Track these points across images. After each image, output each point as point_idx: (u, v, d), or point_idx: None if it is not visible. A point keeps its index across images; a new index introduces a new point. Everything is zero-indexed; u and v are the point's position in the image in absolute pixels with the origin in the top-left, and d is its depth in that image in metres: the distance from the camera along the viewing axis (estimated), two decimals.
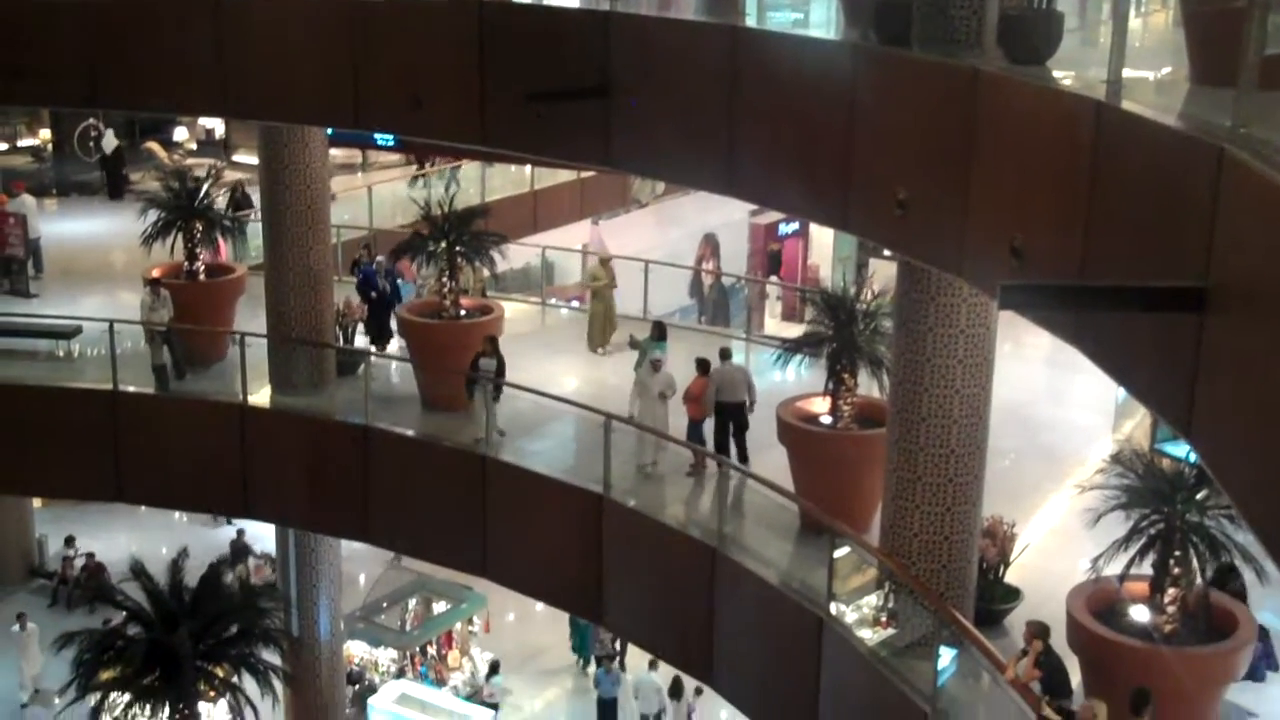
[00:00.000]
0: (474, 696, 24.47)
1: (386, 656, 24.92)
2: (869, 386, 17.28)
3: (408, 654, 24.85)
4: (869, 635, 14.18)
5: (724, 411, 17.79)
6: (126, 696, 20.30)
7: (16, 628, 25.13)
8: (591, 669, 25.40)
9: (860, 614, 14.63)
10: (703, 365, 18.52)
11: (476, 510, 18.66)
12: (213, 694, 20.81)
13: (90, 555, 28.63)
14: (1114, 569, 13.02)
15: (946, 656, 13.16)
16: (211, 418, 20.65)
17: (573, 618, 25.51)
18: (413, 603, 25.60)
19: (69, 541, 29.51)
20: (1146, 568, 13.03)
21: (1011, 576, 15.31)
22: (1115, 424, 19.73)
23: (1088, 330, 9.39)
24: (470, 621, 26.38)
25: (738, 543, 15.94)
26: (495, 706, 25.67)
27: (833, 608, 14.29)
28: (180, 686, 19.93)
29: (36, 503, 30.49)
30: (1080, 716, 11.51)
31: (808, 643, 14.33)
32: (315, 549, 22.59)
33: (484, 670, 25.99)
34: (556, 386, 20.67)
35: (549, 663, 26.50)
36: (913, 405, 13.91)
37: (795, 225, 36.67)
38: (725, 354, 18.35)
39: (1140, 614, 12.85)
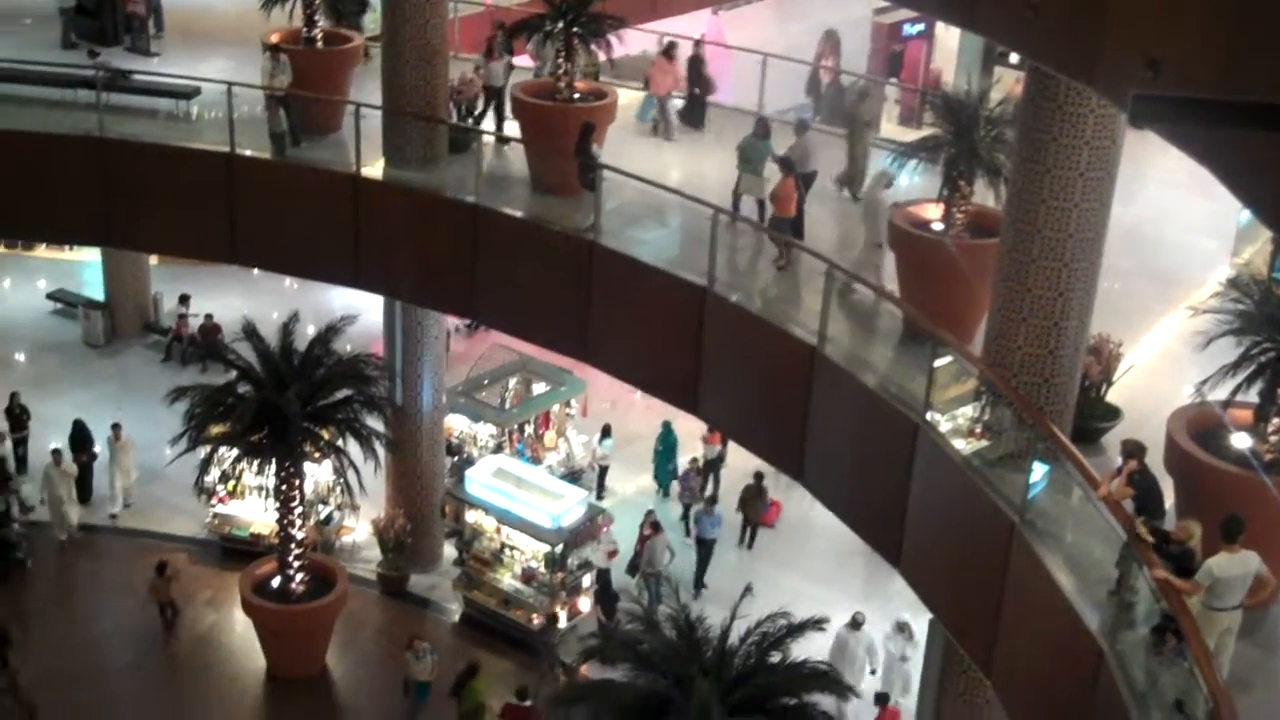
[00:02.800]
0: (569, 477, 25.02)
1: (485, 432, 25.49)
2: (984, 195, 16.97)
3: (506, 431, 25.41)
4: (963, 445, 14.22)
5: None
6: (235, 452, 21.14)
7: (110, 437, 25.17)
8: (672, 502, 25.70)
9: (955, 424, 14.65)
10: (786, 164, 18.65)
11: (581, 295, 18.80)
12: (317, 455, 21.59)
13: (209, 316, 29.40)
14: (1218, 395, 12.86)
15: (1039, 471, 13.18)
16: (325, 186, 20.85)
17: (658, 453, 25.67)
18: (513, 382, 26.06)
19: (183, 300, 30.29)
20: (1253, 395, 12.84)
21: (1113, 396, 15.18)
22: (1234, 249, 19.24)
23: (1219, 149, 9.09)
24: (568, 404, 26.84)
25: (838, 344, 15.92)
26: (604, 469, 26.31)
27: (929, 416, 14.30)
28: (287, 445, 20.69)
29: (153, 260, 31.27)
30: (1175, 536, 11.51)
31: (901, 448, 14.41)
32: (421, 322, 23.01)
33: (580, 452, 26.55)
34: (664, 178, 20.54)
35: (643, 452, 26.99)
36: (1029, 216, 13.65)
37: (920, 26, 35.58)
38: (801, 127, 18.64)
39: (1241, 441, 12.72)
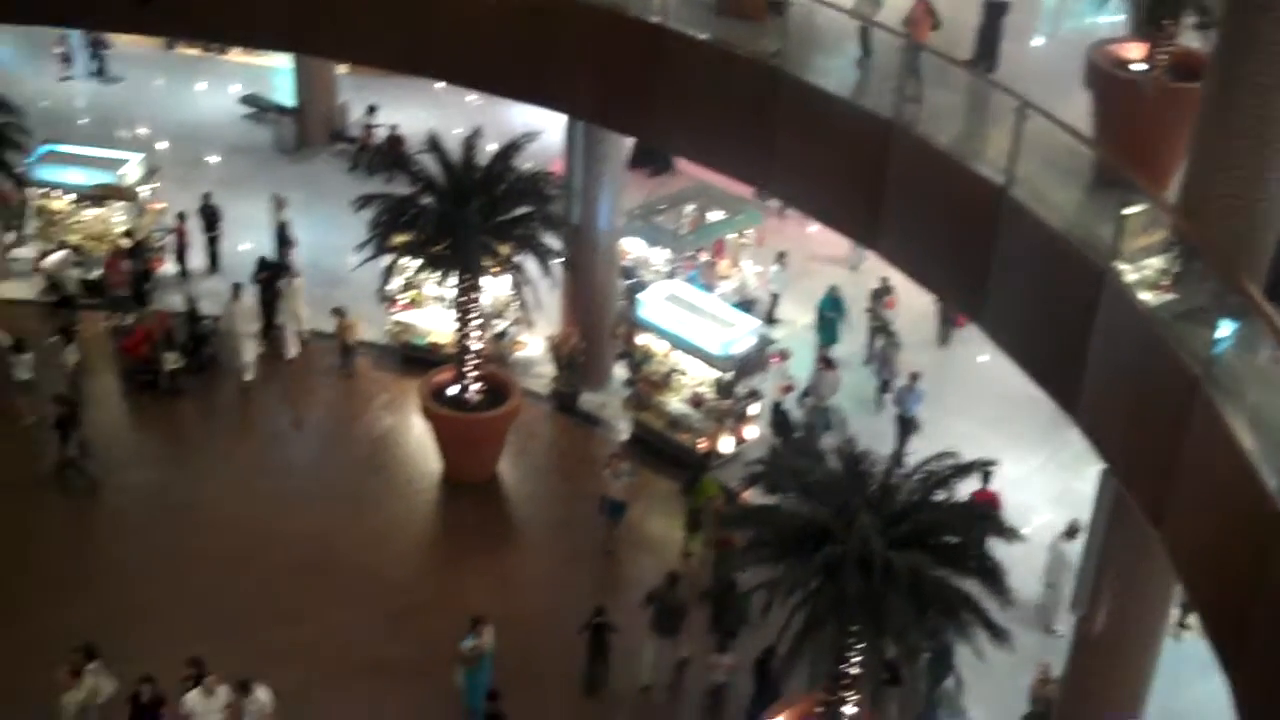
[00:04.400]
0: (741, 305, 25.09)
1: (660, 256, 25.64)
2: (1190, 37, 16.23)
3: (680, 256, 25.51)
4: (1148, 296, 13.87)
5: None
6: (417, 262, 21.66)
7: (284, 281, 25.32)
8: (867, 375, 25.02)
9: (1143, 274, 14.26)
10: None
11: (763, 122, 18.58)
12: (495, 269, 22.00)
13: (393, 127, 29.86)
14: None
15: (1227, 327, 12.82)
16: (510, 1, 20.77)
17: (821, 314, 25.15)
18: (690, 208, 26.06)
19: (371, 110, 30.77)
20: None
21: None
22: None
23: None
24: (744, 233, 26.78)
25: (1026, 185, 15.54)
26: (776, 299, 26.36)
27: (1116, 264, 13.95)
28: (466, 258, 21.12)
29: (341, 69, 31.72)
30: None
31: (1084, 295, 14.11)
32: (602, 143, 23.05)
33: (753, 281, 26.58)
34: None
35: (818, 285, 26.89)
36: (1238, 60, 13.02)
37: None
38: None
39: None
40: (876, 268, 23.68)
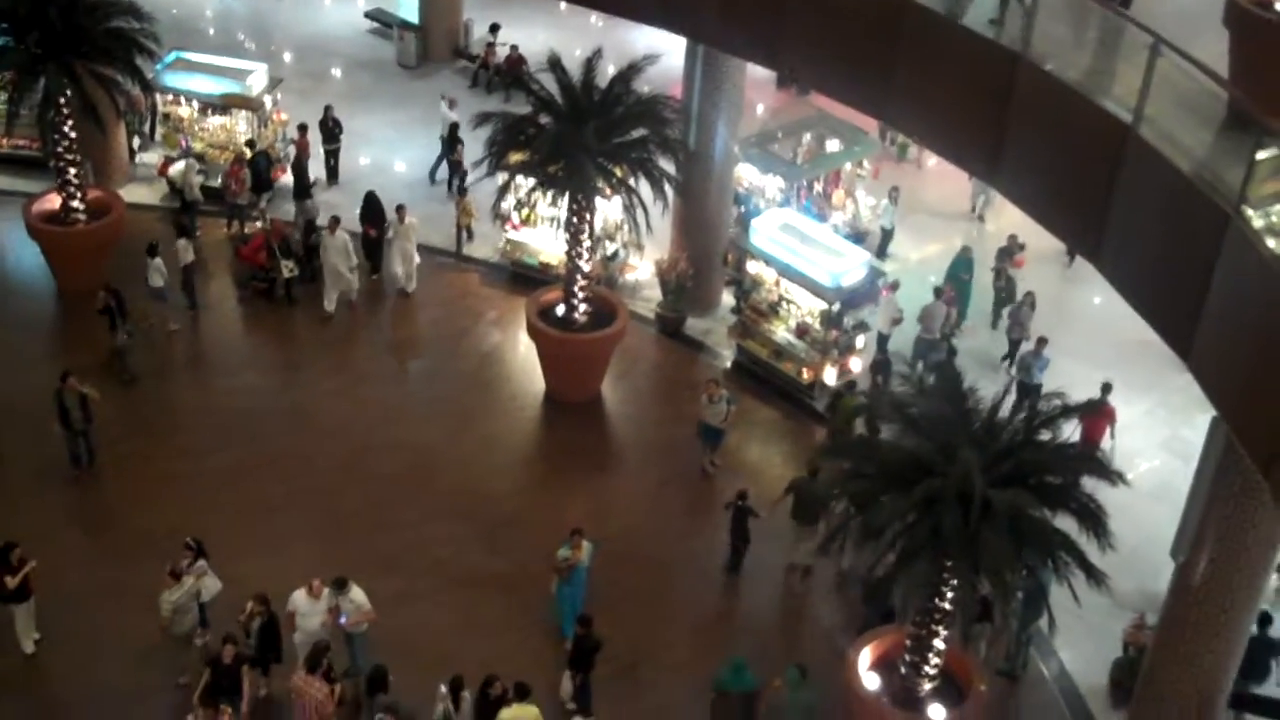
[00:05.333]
0: (853, 237, 24.89)
1: (774, 185, 25.47)
2: None
3: (794, 186, 25.31)
4: (1275, 244, 13.48)
5: None
6: (531, 181, 21.74)
7: (393, 218, 24.57)
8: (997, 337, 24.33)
9: (1270, 221, 13.85)
10: None
11: (884, 51, 18.29)
12: (609, 191, 22.02)
13: (514, 47, 29.91)
14: None
15: None
16: None
17: (953, 275, 24.47)
18: (807, 137, 25.79)
19: (493, 29, 30.84)
20: None
21: None
22: None
23: None
24: (860, 165, 26.49)
25: (1154, 124, 15.15)
26: (889, 233, 26.09)
27: (1243, 209, 13.57)
28: (581, 179, 21.14)
29: None
30: None
31: (1207, 239, 13.76)
32: (722, 68, 22.88)
33: (866, 214, 26.32)
34: None
35: (933, 224, 26.60)
36: None
37: None
38: None
39: None
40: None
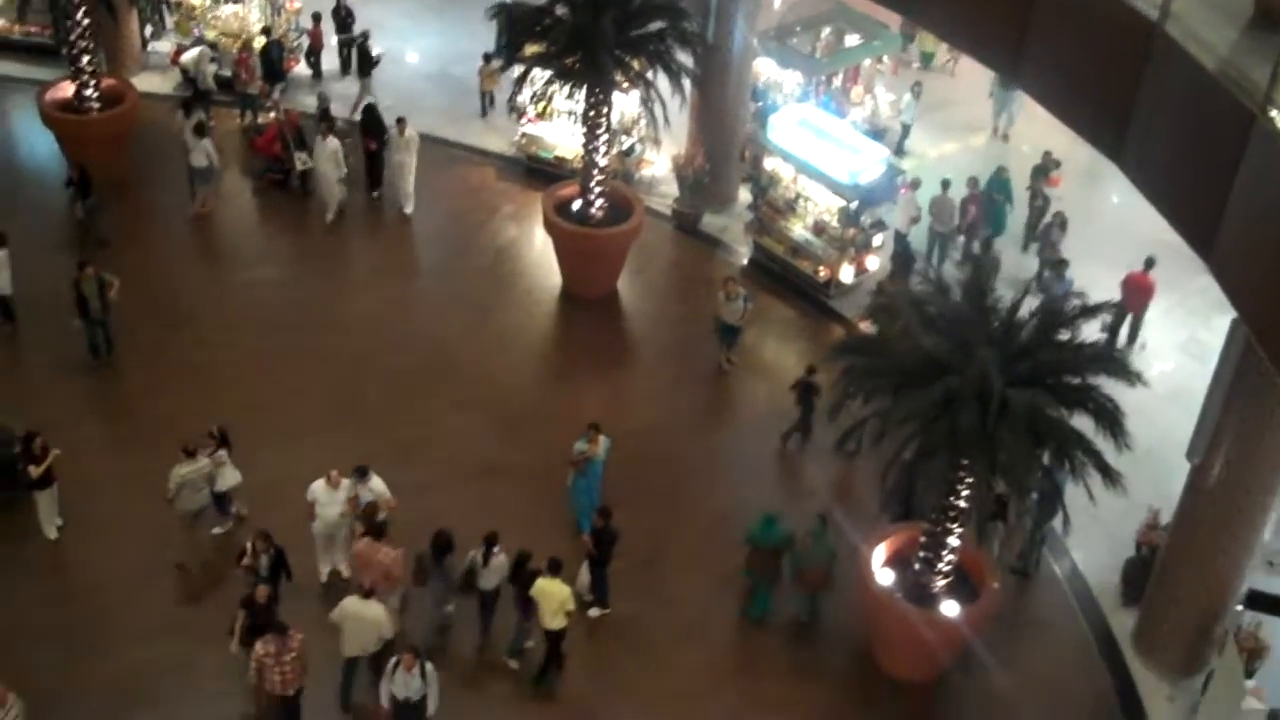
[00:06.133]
0: (872, 134, 24.69)
1: (792, 79, 25.22)
2: None
3: (813, 80, 25.06)
4: None
5: None
6: (548, 73, 21.54)
7: (395, 131, 23.86)
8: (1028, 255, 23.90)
9: None
10: None
11: None
12: (626, 85, 21.82)
13: None
14: None
15: None
16: None
17: (988, 195, 23.69)
18: (826, 31, 25.50)
19: None
20: None
21: None
22: None
23: None
24: (879, 60, 26.21)
25: (1180, 20, 14.92)
26: (907, 129, 25.97)
27: (1269, 110, 13.41)
28: (598, 71, 20.95)
29: None
30: None
31: (1232, 139, 13.63)
32: None
33: (886, 110, 26.09)
34: None
35: (953, 123, 26.34)
36: None
37: None
38: None
39: None
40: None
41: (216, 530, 17.96)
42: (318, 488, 17.08)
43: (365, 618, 15.62)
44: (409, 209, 24.24)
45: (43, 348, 20.60)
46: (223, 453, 17.61)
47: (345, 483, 17.11)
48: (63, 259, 21.03)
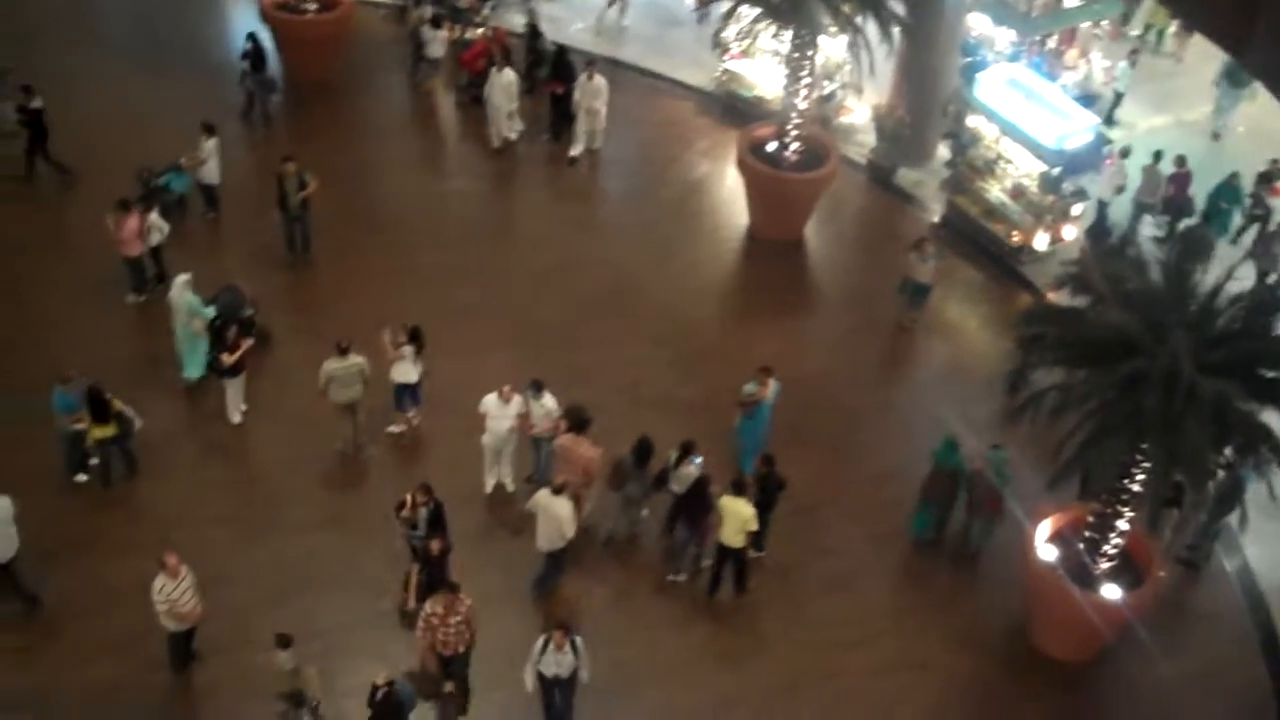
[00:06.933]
0: (1083, 100, 23.93)
1: (1005, 37, 24.58)
2: None
3: (1026, 40, 24.39)
4: None
5: None
6: (755, 11, 21.36)
7: (584, 76, 23.50)
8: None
9: None
10: None
11: None
12: (834, 29, 21.53)
13: None
14: None
15: None
16: None
17: (1214, 201, 22.52)
18: None
19: None
20: None
21: None
22: None
23: None
24: (1098, 24, 25.38)
25: None
26: (1119, 97, 25.10)
27: None
28: (806, 13, 20.72)
29: None
30: None
31: None
32: None
33: (1100, 76, 25.27)
34: None
35: (1161, 91, 25.40)
36: None
37: None
38: None
39: None
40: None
41: (392, 429, 18.46)
42: (490, 401, 17.39)
43: (553, 513, 16.03)
44: (597, 144, 24.13)
45: (243, 238, 21.31)
46: (407, 349, 17.99)
47: (517, 398, 17.39)
48: (271, 152, 21.65)
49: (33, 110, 21.65)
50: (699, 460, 16.79)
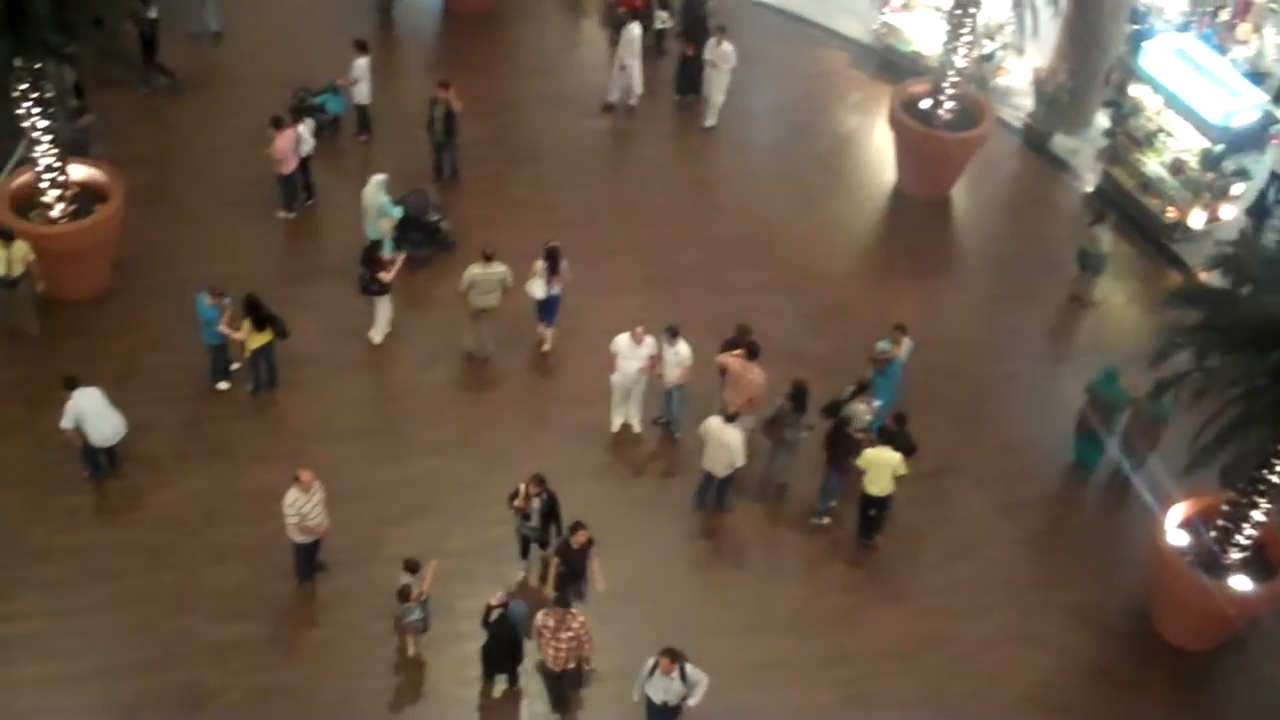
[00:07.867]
0: (1253, 76, 23.10)
1: (1176, 6, 23.80)
2: None
3: (1198, 11, 23.62)
4: None
5: None
6: None
7: (712, 42, 22.82)
8: None
9: None
10: None
11: None
12: None
13: None
14: None
15: None
16: None
17: None
18: None
19: None
20: None
21: None
22: None
23: None
24: None
25: None
26: None
27: None
28: None
29: None
30: None
31: None
32: None
33: (1272, 54, 24.36)
34: None
35: None
36: None
37: None
38: None
39: None
40: None
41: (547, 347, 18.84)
42: (621, 341, 17.48)
43: (723, 441, 16.25)
44: (709, 122, 23.35)
45: (393, 162, 21.55)
46: (540, 263, 18.20)
47: (649, 340, 17.44)
48: (422, 79, 21.88)
49: (149, 20, 22.08)
50: (879, 403, 16.82)
